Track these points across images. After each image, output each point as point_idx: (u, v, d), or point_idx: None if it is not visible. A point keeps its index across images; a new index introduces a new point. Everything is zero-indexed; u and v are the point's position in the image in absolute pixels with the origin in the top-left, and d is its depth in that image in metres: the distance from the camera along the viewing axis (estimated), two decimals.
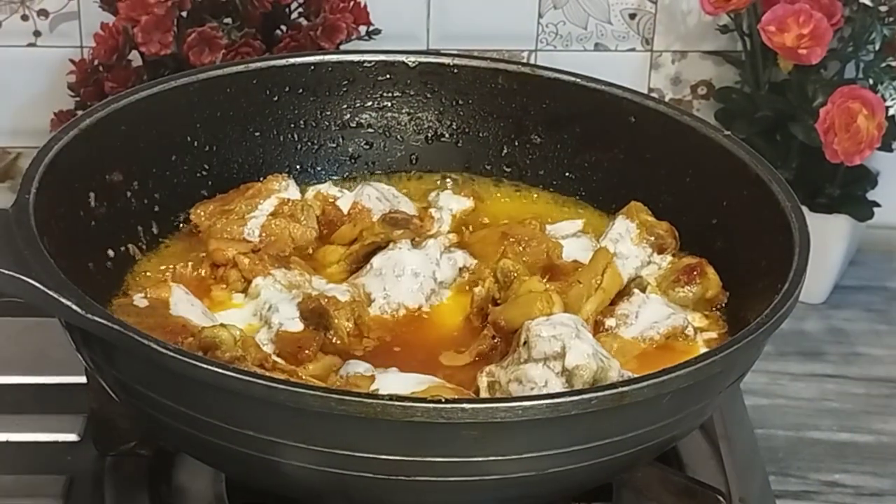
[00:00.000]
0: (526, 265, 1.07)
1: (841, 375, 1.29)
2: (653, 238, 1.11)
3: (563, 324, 0.95)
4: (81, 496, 1.06)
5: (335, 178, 1.21)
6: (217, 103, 1.16)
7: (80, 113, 1.10)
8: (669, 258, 1.11)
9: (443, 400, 0.85)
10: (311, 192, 1.16)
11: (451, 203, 1.17)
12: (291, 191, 1.13)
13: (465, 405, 0.84)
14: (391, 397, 0.84)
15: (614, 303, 1.05)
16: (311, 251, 1.12)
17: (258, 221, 1.11)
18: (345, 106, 1.21)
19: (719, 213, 1.11)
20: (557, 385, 0.92)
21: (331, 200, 1.15)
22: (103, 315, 0.89)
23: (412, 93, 1.22)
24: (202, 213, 1.13)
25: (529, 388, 0.92)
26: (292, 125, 1.20)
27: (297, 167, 1.20)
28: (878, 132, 1.27)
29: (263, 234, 1.11)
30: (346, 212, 1.14)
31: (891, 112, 1.30)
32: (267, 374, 0.91)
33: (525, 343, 0.95)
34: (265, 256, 1.07)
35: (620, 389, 0.85)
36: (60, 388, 1.16)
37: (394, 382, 0.94)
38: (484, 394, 0.95)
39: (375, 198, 1.15)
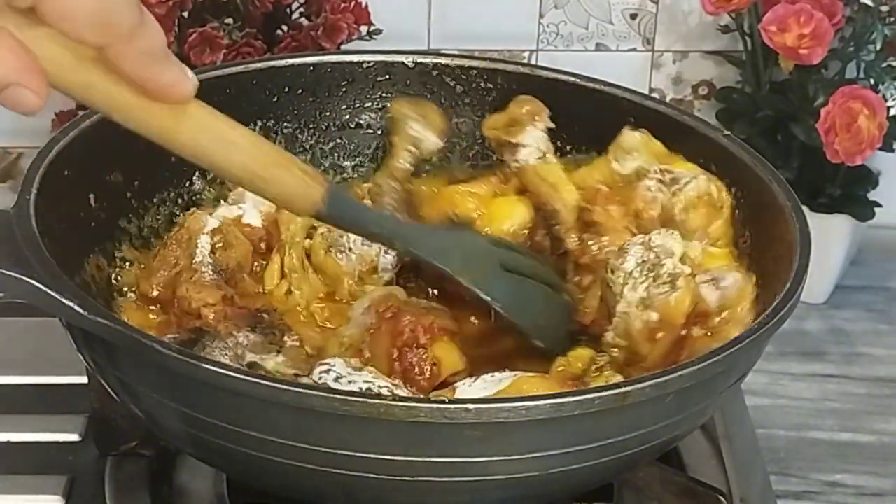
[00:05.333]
0: None
1: (842, 375, 1.29)
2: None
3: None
4: (82, 496, 1.06)
5: (335, 179, 1.21)
6: (217, 104, 1.13)
7: (80, 113, 1.10)
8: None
9: (446, 400, 0.85)
10: (212, 221, 1.10)
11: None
12: (212, 221, 1.10)
13: (468, 405, 0.84)
14: (394, 398, 0.84)
15: None
16: (256, 269, 1.10)
17: (206, 259, 1.07)
18: (344, 106, 1.21)
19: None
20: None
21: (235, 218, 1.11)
22: (105, 315, 0.89)
23: (412, 93, 1.21)
24: (152, 285, 1.06)
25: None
26: (292, 126, 1.19)
27: None
28: (879, 132, 1.27)
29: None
30: (259, 224, 1.11)
31: (892, 112, 1.30)
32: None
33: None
34: (233, 313, 1.02)
35: (623, 389, 0.85)
36: (61, 388, 1.16)
37: (474, 389, 0.94)
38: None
39: None
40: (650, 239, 1.01)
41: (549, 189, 1.11)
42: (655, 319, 0.98)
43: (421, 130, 1.17)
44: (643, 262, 1.00)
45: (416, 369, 0.96)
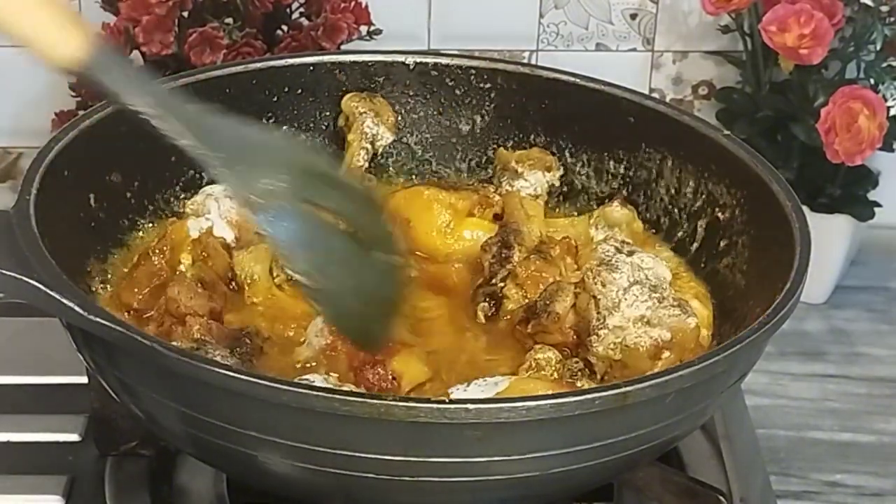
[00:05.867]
0: None
1: (842, 375, 1.29)
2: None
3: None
4: (83, 496, 1.06)
5: None
6: (216, 104, 1.15)
7: (80, 113, 1.10)
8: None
9: (446, 400, 0.85)
10: (193, 231, 1.08)
11: None
12: (193, 231, 1.08)
13: (468, 405, 0.84)
14: (394, 398, 0.84)
15: None
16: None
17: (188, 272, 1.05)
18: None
19: (720, 213, 1.11)
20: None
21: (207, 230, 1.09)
22: (105, 316, 0.89)
23: (411, 93, 1.21)
24: (135, 296, 1.04)
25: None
26: (291, 126, 1.19)
27: None
28: (879, 132, 1.27)
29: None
30: (231, 237, 1.09)
31: (892, 112, 1.30)
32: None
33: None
34: (217, 331, 0.99)
35: (623, 389, 0.85)
36: (61, 388, 1.16)
37: (469, 393, 0.93)
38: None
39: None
40: (641, 260, 1.01)
41: (523, 216, 1.12)
42: (668, 339, 0.98)
43: (375, 126, 1.17)
44: (636, 281, 1.00)
45: (377, 388, 0.95)
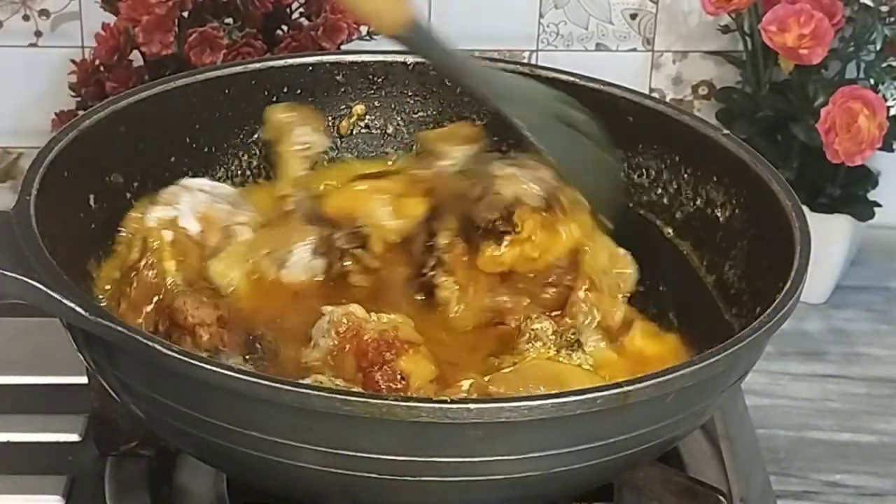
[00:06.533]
0: None
1: (842, 375, 1.28)
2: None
3: None
4: (82, 496, 1.06)
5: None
6: (216, 104, 1.16)
7: (80, 113, 1.10)
8: None
9: (448, 400, 0.85)
10: (167, 233, 1.06)
11: None
12: (166, 234, 1.06)
13: (470, 405, 0.84)
14: (396, 398, 0.84)
15: None
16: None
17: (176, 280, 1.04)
18: (343, 107, 1.21)
19: (719, 213, 1.11)
20: None
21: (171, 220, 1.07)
22: (106, 316, 0.89)
23: (410, 93, 1.21)
24: (142, 317, 1.01)
25: None
26: None
27: None
28: (879, 132, 1.27)
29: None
30: (196, 229, 1.07)
31: (892, 112, 1.30)
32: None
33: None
34: (229, 340, 1.00)
35: (624, 389, 0.85)
36: (61, 388, 1.16)
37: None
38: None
39: (213, 202, 1.08)
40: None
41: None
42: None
43: (308, 134, 1.16)
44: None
45: (385, 388, 0.95)
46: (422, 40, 1.06)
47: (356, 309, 1.00)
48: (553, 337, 1.02)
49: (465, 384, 0.95)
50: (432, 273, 1.07)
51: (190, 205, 1.08)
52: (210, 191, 1.10)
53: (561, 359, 1.02)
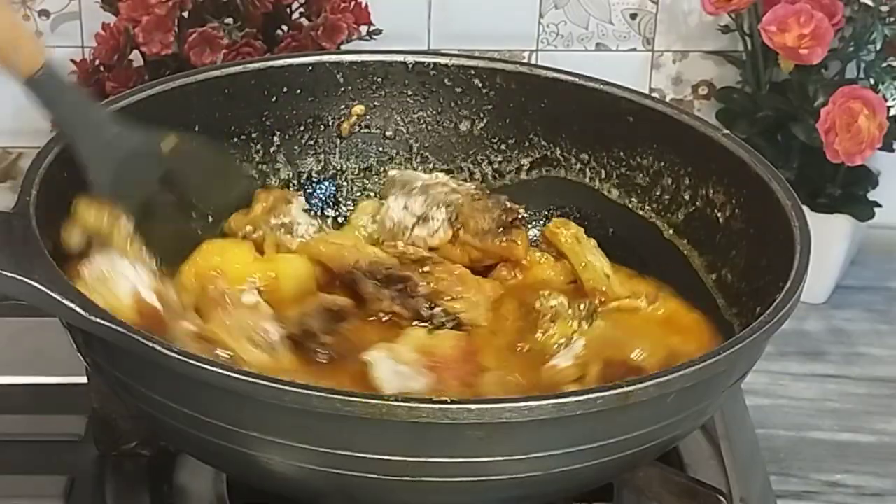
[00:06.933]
0: None
1: (842, 375, 1.28)
2: None
3: None
4: (82, 496, 1.06)
5: (337, 179, 1.21)
6: (216, 104, 1.16)
7: None
8: None
9: (448, 400, 0.85)
10: None
11: None
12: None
13: (470, 405, 0.84)
14: (396, 398, 0.84)
15: None
16: None
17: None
18: (342, 107, 1.21)
19: (719, 213, 1.11)
20: None
21: None
22: (106, 317, 0.89)
23: (410, 93, 1.21)
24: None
25: None
26: (291, 126, 1.19)
27: (296, 168, 1.20)
28: (879, 132, 1.27)
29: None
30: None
31: (892, 112, 1.30)
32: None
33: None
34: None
35: (625, 389, 0.85)
36: (61, 388, 1.16)
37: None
38: None
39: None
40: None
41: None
42: None
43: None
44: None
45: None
46: (54, 87, 1.02)
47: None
48: (571, 311, 1.03)
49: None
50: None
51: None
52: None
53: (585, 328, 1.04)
